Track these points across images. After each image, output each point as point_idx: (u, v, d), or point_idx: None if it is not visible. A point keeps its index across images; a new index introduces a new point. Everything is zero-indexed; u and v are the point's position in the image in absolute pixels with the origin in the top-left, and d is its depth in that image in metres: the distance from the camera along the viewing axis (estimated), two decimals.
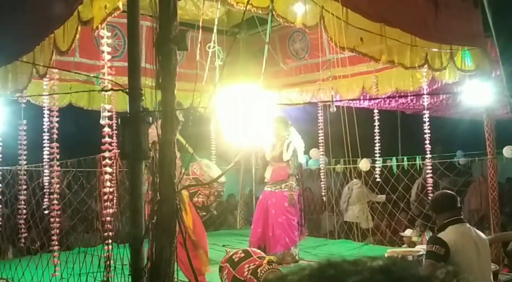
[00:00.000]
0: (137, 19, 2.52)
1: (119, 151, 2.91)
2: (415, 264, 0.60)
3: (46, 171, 5.51)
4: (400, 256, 4.57)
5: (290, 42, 7.35)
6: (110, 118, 4.16)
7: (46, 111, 5.54)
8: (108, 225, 3.42)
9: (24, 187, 5.20)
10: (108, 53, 4.11)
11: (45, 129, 5.49)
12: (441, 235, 3.07)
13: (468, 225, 3.22)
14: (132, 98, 2.36)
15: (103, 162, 3.41)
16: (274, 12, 3.87)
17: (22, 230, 5.07)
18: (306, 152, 8.59)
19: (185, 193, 4.33)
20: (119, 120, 2.30)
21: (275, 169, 5.74)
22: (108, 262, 3.36)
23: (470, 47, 5.23)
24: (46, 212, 5.40)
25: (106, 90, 3.22)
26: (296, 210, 5.73)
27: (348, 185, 8.41)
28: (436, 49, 4.86)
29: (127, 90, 2.36)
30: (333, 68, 6.15)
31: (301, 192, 5.99)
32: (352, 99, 6.73)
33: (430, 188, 6.11)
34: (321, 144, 7.33)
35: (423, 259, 3.20)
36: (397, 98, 8.01)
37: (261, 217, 5.69)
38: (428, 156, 6.11)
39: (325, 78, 6.66)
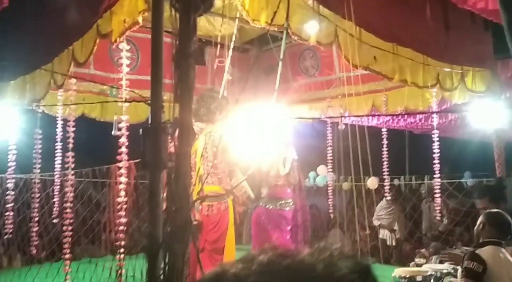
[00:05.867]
0: (160, 32, 2.60)
1: (138, 160, 2.95)
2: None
3: (56, 180, 5.57)
4: (408, 275, 4.56)
5: (300, 59, 7.43)
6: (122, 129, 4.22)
7: (59, 121, 5.62)
8: (121, 235, 3.45)
9: (38, 195, 5.25)
10: (124, 66, 4.20)
11: (58, 139, 5.57)
12: (479, 251, 2.96)
13: (504, 250, 3.11)
14: (154, 110, 2.42)
15: (118, 172, 3.46)
16: (289, 30, 3.95)
17: (34, 238, 5.11)
18: (313, 169, 8.62)
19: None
20: (140, 130, 2.35)
21: (272, 185, 5.71)
22: (120, 271, 3.38)
23: (480, 68, 5.28)
24: (55, 221, 5.44)
25: (129, 101, 3.29)
26: (292, 226, 5.69)
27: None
28: (448, 69, 4.92)
29: (149, 101, 2.42)
30: (343, 86, 6.21)
31: (298, 208, 5.92)
32: (362, 116, 6.76)
33: (438, 208, 6.09)
34: (330, 161, 7.35)
35: (460, 277, 3.05)
36: (405, 117, 8.07)
37: (258, 234, 5.66)
38: (437, 175, 6.11)
39: (334, 96, 6.72)
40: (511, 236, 3.20)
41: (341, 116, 6.25)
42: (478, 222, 3.19)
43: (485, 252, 2.95)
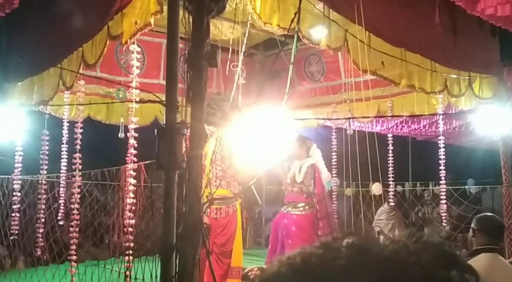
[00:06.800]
0: (176, 33, 2.60)
1: (148, 162, 2.95)
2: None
3: (62, 182, 5.56)
4: None
5: (306, 64, 7.45)
6: (128, 131, 4.22)
7: (65, 123, 5.63)
8: (129, 237, 3.44)
9: (44, 196, 5.25)
10: (134, 68, 4.21)
11: (64, 141, 5.57)
12: (471, 262, 2.77)
13: (500, 257, 2.95)
14: (169, 111, 2.42)
15: (127, 173, 3.45)
16: (299, 34, 3.95)
17: (40, 240, 5.09)
18: None
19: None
20: (155, 131, 2.35)
21: (289, 190, 5.69)
22: (129, 273, 3.37)
23: (487, 75, 5.30)
24: (61, 223, 5.42)
25: (144, 102, 3.29)
26: (309, 234, 5.57)
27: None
28: (455, 76, 4.94)
29: (164, 102, 2.42)
30: (348, 91, 6.21)
31: (323, 216, 5.71)
32: (371, 117, 6.75)
33: (444, 215, 6.08)
34: (334, 166, 7.34)
35: None
36: (409, 124, 8.08)
37: (275, 238, 5.64)
38: (443, 181, 6.10)
39: (340, 102, 6.73)
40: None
41: (350, 118, 6.25)
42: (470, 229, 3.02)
43: (477, 262, 2.77)
